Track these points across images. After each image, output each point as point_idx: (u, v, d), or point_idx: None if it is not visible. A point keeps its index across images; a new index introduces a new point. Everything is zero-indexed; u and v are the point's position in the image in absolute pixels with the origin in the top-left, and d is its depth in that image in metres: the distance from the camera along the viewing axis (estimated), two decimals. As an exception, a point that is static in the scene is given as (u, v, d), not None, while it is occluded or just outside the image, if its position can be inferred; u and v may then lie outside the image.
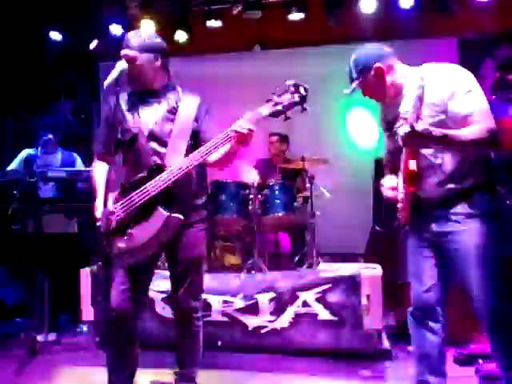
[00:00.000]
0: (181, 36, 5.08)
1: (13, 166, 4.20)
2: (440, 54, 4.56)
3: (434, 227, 2.07)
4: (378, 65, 2.06)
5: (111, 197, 2.15)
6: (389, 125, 2.17)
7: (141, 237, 2.12)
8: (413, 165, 1.96)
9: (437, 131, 1.84)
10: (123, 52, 2.18)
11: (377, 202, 4.90)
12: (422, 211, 2.09)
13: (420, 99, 1.92)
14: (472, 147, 1.94)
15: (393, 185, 2.16)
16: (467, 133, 1.88)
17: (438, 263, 2.12)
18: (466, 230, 1.99)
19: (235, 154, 2.17)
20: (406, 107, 1.94)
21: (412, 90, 1.97)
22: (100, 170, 2.34)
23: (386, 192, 2.20)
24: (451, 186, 2.00)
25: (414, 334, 2.23)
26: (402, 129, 1.82)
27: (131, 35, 2.25)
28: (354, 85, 2.10)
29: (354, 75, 2.10)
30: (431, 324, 2.16)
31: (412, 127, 1.78)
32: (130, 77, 2.20)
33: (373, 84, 2.08)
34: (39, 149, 4.33)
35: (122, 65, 2.07)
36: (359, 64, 2.09)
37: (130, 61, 2.16)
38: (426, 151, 2.01)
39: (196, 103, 2.31)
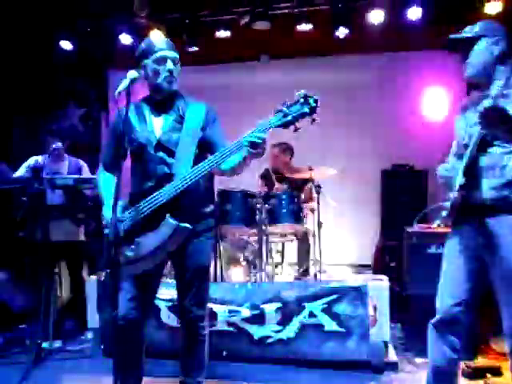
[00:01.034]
0: (189, 46, 5.12)
1: (19, 173, 4.22)
2: (448, 65, 4.57)
3: (481, 236, 2.00)
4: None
5: (119, 205, 2.16)
6: (464, 110, 2.13)
7: (148, 245, 2.12)
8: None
9: None
10: (175, 53, 2.26)
11: (384, 212, 4.89)
12: (470, 218, 2.02)
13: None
14: None
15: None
16: None
17: (477, 276, 2.05)
18: (509, 242, 1.92)
19: (246, 163, 2.17)
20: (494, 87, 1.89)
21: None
22: (107, 179, 2.36)
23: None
24: (507, 192, 1.94)
25: (433, 347, 2.14)
26: (486, 102, 1.76)
27: (164, 39, 2.32)
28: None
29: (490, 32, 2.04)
30: (453, 339, 2.08)
31: (496, 102, 1.74)
32: (170, 78, 2.24)
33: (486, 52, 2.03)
34: (46, 156, 4.36)
35: (132, 74, 2.09)
36: (499, 30, 2.05)
37: (176, 62, 2.27)
38: (495, 150, 1.95)
39: (203, 111, 2.32)
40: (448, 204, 2.02)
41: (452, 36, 2.07)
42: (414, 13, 4.51)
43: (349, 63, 5.31)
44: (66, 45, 5.30)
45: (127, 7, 5.04)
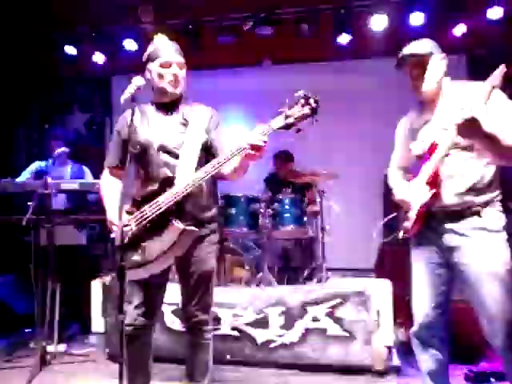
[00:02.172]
0: (192, 51, 5.16)
1: (22, 178, 4.24)
2: (449, 71, 4.59)
3: (445, 242, 2.08)
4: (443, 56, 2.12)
5: (123, 210, 2.17)
6: (413, 132, 2.20)
7: (155, 250, 2.12)
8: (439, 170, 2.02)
9: (487, 127, 1.83)
10: (180, 57, 2.27)
11: (387, 216, 4.88)
12: (433, 225, 2.10)
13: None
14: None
15: (407, 191, 2.17)
16: (510, 139, 1.88)
17: (449, 279, 2.13)
18: (477, 245, 2.00)
19: (247, 166, 2.18)
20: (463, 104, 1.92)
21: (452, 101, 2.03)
22: (111, 183, 2.37)
23: (402, 196, 2.20)
24: (468, 198, 2.02)
25: (420, 354, 2.25)
26: (462, 114, 1.80)
27: (171, 43, 2.32)
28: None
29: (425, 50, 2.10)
30: (437, 342, 2.18)
31: (472, 115, 1.78)
32: (175, 82, 2.25)
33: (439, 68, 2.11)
34: (50, 161, 4.39)
35: (138, 80, 2.11)
36: (432, 46, 2.12)
37: (182, 66, 2.28)
38: (451, 160, 2.02)
39: (207, 115, 2.33)
40: (408, 224, 2.13)
41: (407, 53, 2.12)
42: (417, 18, 4.55)
43: (351, 68, 5.34)
44: (70, 50, 5.35)
45: (132, 13, 5.10)
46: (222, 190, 3.58)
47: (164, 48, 2.28)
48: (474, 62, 5.17)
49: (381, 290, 3.24)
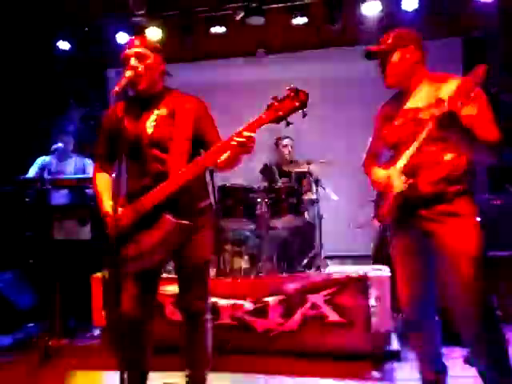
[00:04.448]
0: (186, 43, 5.14)
1: (31, 174, 4.27)
2: (444, 55, 4.57)
3: (419, 228, 2.12)
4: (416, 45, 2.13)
5: (116, 203, 2.17)
6: (389, 120, 2.23)
7: (148, 243, 2.13)
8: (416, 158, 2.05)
9: (465, 122, 1.87)
10: (135, 49, 2.19)
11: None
12: (407, 212, 2.13)
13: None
14: (485, 150, 1.98)
15: (382, 177, 2.20)
16: (484, 136, 1.94)
17: (427, 263, 2.17)
18: (449, 230, 2.04)
19: (237, 160, 2.18)
20: (442, 93, 1.95)
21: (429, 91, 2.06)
22: (102, 178, 2.38)
23: (377, 186, 2.25)
24: (442, 186, 2.06)
25: (412, 338, 2.31)
26: (442, 107, 1.83)
27: (141, 36, 2.29)
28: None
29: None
30: (426, 324, 2.22)
31: (452, 109, 1.81)
32: (137, 77, 2.17)
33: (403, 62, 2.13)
34: (53, 155, 4.41)
35: (129, 73, 2.11)
36: (411, 38, 2.14)
37: (141, 58, 2.19)
38: (426, 149, 2.05)
39: (194, 105, 2.30)
40: (382, 212, 2.17)
41: (368, 48, 2.17)
42: (410, 4, 4.52)
43: (345, 55, 5.31)
44: (64, 45, 5.33)
45: (124, 6, 5.06)
46: (218, 181, 3.61)
47: (126, 43, 2.26)
48: (469, 45, 5.15)
49: (379, 276, 3.26)
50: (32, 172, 4.31)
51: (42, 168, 4.32)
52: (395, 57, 2.13)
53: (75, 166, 4.43)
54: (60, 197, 3.95)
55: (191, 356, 2.45)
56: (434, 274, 2.19)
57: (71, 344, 3.71)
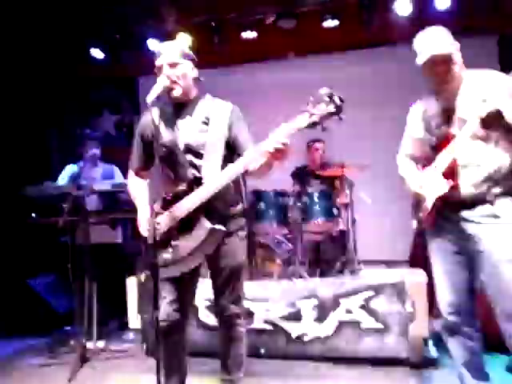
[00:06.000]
0: (216, 48, 5.18)
1: (61, 182, 4.37)
2: (480, 53, 4.45)
3: (460, 230, 2.07)
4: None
5: (153, 209, 2.19)
6: (428, 120, 2.17)
7: (185, 248, 2.16)
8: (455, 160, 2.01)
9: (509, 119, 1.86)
10: (168, 57, 2.21)
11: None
12: (447, 215, 2.09)
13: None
14: None
15: (421, 179, 2.16)
16: None
17: (469, 266, 2.11)
18: (491, 233, 1.99)
19: (271, 166, 2.16)
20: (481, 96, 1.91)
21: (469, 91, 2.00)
22: (138, 184, 2.41)
23: (417, 188, 2.18)
24: (484, 188, 2.01)
25: (452, 344, 2.24)
26: (486, 107, 1.82)
27: (170, 44, 2.31)
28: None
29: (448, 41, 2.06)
30: (467, 330, 2.16)
31: (497, 108, 1.81)
32: (171, 85, 2.19)
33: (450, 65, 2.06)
34: (81, 163, 4.50)
35: (163, 80, 2.14)
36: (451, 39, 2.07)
37: (174, 65, 2.21)
38: (467, 150, 2.00)
39: (228, 111, 2.30)
40: (422, 216, 2.14)
41: (434, 53, 2.04)
42: (442, 2, 4.43)
43: (376, 56, 5.25)
44: (96, 53, 5.45)
45: (155, 13, 5.14)
46: (250, 185, 3.61)
47: (158, 51, 2.26)
48: (504, 43, 5.01)
49: (415, 281, 3.19)
50: (62, 180, 4.41)
51: (72, 175, 4.41)
52: (454, 57, 2.06)
53: (103, 173, 4.51)
54: (92, 202, 4.03)
55: (225, 360, 2.45)
56: (474, 278, 2.13)
57: (107, 346, 3.77)
